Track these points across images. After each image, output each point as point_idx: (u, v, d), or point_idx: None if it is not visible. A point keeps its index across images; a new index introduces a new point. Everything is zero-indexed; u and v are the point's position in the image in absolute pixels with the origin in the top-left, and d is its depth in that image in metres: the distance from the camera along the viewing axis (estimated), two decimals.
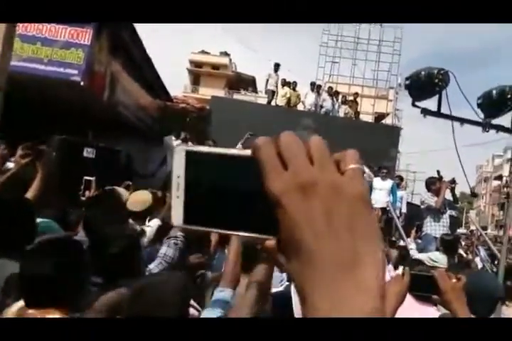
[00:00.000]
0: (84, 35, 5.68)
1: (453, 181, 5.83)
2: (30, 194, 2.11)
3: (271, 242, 0.37)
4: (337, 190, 0.34)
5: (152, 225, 3.08)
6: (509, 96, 2.89)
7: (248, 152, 0.37)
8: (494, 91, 3.06)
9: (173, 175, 0.40)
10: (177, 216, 0.39)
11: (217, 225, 0.39)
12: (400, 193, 8.03)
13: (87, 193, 3.46)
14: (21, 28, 5.38)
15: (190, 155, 0.40)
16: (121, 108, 6.80)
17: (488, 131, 2.97)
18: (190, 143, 7.64)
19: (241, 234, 0.39)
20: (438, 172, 5.85)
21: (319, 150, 0.36)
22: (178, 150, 0.40)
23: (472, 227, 13.69)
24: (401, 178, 9.16)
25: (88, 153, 4.54)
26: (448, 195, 5.97)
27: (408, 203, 8.57)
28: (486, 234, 10.95)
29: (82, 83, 5.47)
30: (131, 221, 3.06)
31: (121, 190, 3.41)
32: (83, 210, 2.63)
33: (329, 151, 0.36)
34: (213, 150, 0.40)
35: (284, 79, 11.90)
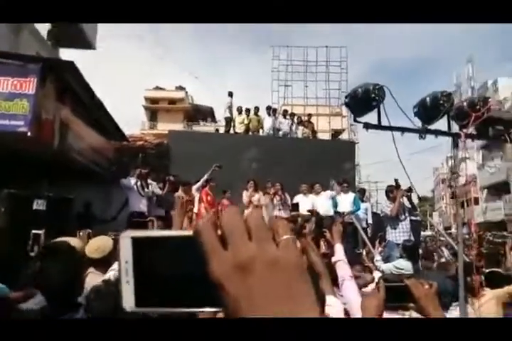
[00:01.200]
0: (28, 84, 5.60)
1: (409, 189, 6.06)
2: None
3: None
4: (273, 263, 0.37)
5: (116, 267, 2.97)
6: (441, 101, 3.05)
7: (190, 232, 0.40)
8: (428, 99, 3.22)
9: (121, 260, 0.41)
10: (128, 300, 0.41)
11: (168, 305, 0.41)
12: (364, 205, 8.21)
13: (35, 248, 3.30)
14: None
15: (136, 240, 0.42)
16: (74, 154, 6.65)
17: (424, 138, 3.11)
18: (150, 181, 7.51)
19: (192, 310, 0.41)
20: (396, 180, 6.06)
21: (256, 226, 0.39)
22: (124, 237, 0.42)
23: (439, 227, 14.12)
24: (363, 191, 9.37)
25: (38, 205, 4.36)
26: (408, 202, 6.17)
27: (373, 213, 8.74)
28: (450, 233, 11.30)
29: (29, 133, 5.34)
30: (92, 269, 2.93)
31: (73, 240, 3.27)
32: (34, 265, 2.51)
33: (264, 222, 0.40)
34: (157, 233, 0.42)
35: (240, 107, 12.10)
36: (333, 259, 2.81)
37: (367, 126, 3.24)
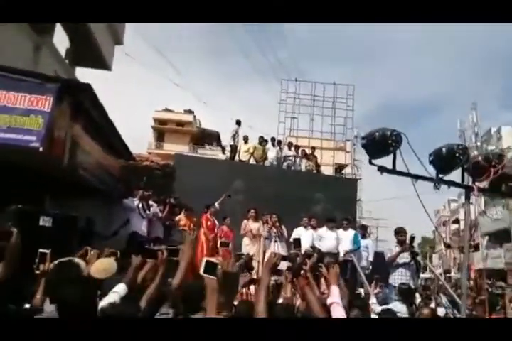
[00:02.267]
0: (44, 102, 5.68)
1: (412, 239, 6.17)
2: None
3: None
4: None
5: (118, 291, 2.98)
6: (457, 154, 3.10)
7: None
8: (444, 150, 3.29)
9: None
10: None
11: None
12: (365, 242, 8.12)
13: (41, 267, 3.28)
14: None
15: None
16: (81, 171, 6.66)
17: (438, 188, 3.14)
18: (151, 202, 7.49)
19: None
20: (412, 238, 6.16)
21: None
22: None
23: (437, 271, 13.85)
24: (364, 227, 9.30)
25: (45, 221, 4.35)
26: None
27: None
28: (449, 277, 11.08)
29: (41, 149, 5.37)
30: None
31: (78, 261, 3.28)
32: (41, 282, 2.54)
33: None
34: None
35: (247, 136, 12.25)
36: (329, 301, 2.79)
37: (382, 169, 3.27)
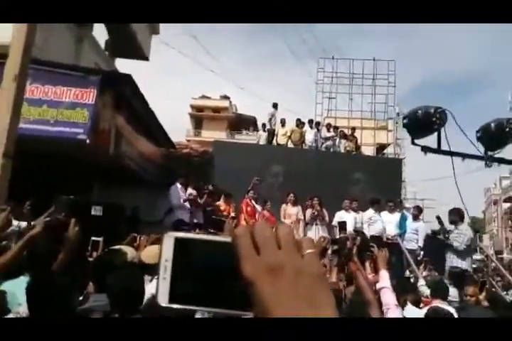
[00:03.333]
0: (89, 94, 5.93)
1: (438, 219, 6.00)
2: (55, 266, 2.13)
3: None
4: (299, 271, 0.42)
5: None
6: (507, 129, 2.92)
7: (229, 239, 0.44)
8: (492, 125, 3.10)
9: (162, 257, 0.45)
10: (163, 296, 0.44)
11: (199, 304, 0.44)
12: (416, 224, 7.60)
13: (94, 254, 3.45)
14: (28, 92, 5.64)
15: (178, 241, 0.45)
16: (127, 160, 6.93)
17: (490, 166, 2.98)
18: (189, 189, 7.66)
19: (222, 311, 0.43)
20: (437, 218, 5.97)
21: (285, 237, 0.44)
22: (168, 237, 0.45)
23: (489, 252, 13.30)
24: (419, 209, 8.30)
25: (96, 211, 4.58)
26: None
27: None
28: (501, 258, 10.61)
29: (87, 141, 5.63)
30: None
31: (127, 248, 3.43)
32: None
33: (293, 235, 0.45)
34: (199, 236, 0.46)
35: (284, 119, 12.13)
36: (378, 286, 2.75)
37: (425, 149, 3.15)
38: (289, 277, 0.41)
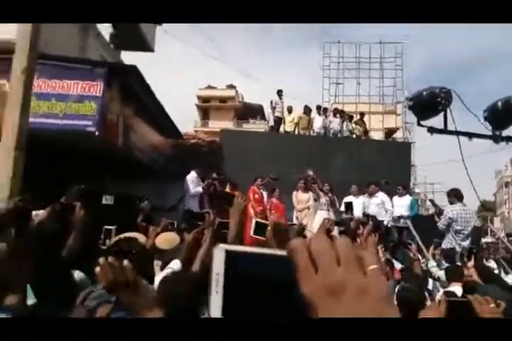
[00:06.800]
0: (96, 87, 5.98)
1: (431, 202, 5.94)
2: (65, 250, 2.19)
3: None
4: (362, 290, 0.39)
5: (173, 266, 3.16)
6: None
7: (283, 252, 0.42)
8: (500, 103, 3.07)
9: (213, 271, 0.45)
10: (215, 309, 0.44)
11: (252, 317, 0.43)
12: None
13: (107, 242, 3.51)
14: (36, 87, 5.70)
15: (229, 254, 0.45)
16: (136, 152, 7.01)
17: (498, 143, 2.96)
18: (206, 179, 7.73)
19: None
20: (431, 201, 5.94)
21: (344, 252, 0.41)
22: (218, 250, 0.45)
23: (500, 234, 13.24)
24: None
25: (107, 200, 4.66)
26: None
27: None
28: None
29: (96, 133, 5.70)
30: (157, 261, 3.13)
31: (139, 235, 3.51)
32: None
33: (352, 249, 0.42)
34: (251, 249, 0.46)
35: (291, 106, 12.05)
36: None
37: (432, 130, 3.14)
38: (350, 297, 0.38)
